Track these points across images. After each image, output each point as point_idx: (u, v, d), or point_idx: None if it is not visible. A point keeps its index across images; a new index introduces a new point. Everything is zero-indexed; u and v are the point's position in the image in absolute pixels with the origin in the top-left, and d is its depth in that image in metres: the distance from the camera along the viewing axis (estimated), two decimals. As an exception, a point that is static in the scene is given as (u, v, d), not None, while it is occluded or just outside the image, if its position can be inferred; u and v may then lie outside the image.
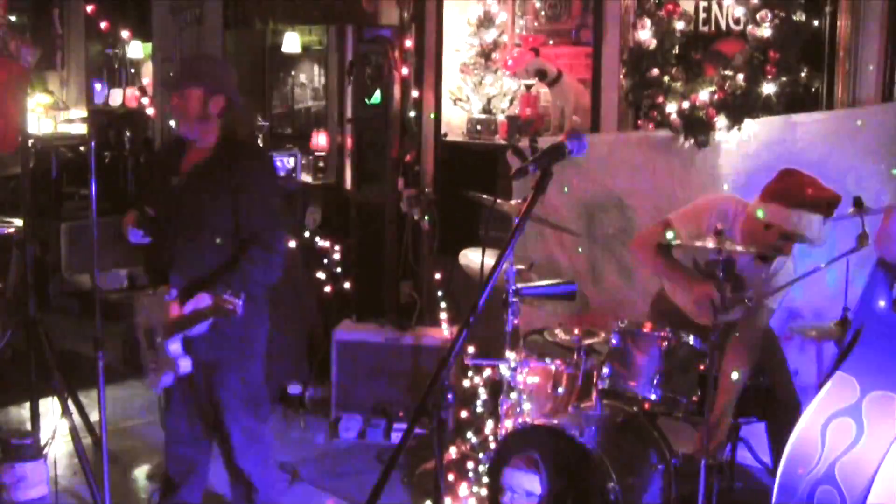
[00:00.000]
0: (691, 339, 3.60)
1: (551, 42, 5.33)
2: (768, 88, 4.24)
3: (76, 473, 4.29)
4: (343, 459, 4.92)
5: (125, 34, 7.33)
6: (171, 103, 3.67)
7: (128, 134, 8.10)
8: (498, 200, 3.89)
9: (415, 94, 5.58)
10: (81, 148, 7.86)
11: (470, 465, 4.24)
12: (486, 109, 5.43)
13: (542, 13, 5.39)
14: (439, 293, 5.30)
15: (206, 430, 3.77)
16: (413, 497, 4.38)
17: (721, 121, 4.33)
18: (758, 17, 4.26)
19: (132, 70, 8.43)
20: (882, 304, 3.41)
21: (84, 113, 8.68)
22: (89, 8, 7.17)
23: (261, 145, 6.31)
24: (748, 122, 4.30)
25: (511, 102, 5.42)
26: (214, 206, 3.53)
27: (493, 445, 4.07)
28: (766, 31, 4.25)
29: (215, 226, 3.52)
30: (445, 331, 5.22)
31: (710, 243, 3.40)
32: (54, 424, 4.25)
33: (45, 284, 7.26)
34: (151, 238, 3.65)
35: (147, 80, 7.96)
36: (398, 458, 2.07)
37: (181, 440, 3.79)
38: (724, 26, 4.58)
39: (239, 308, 3.28)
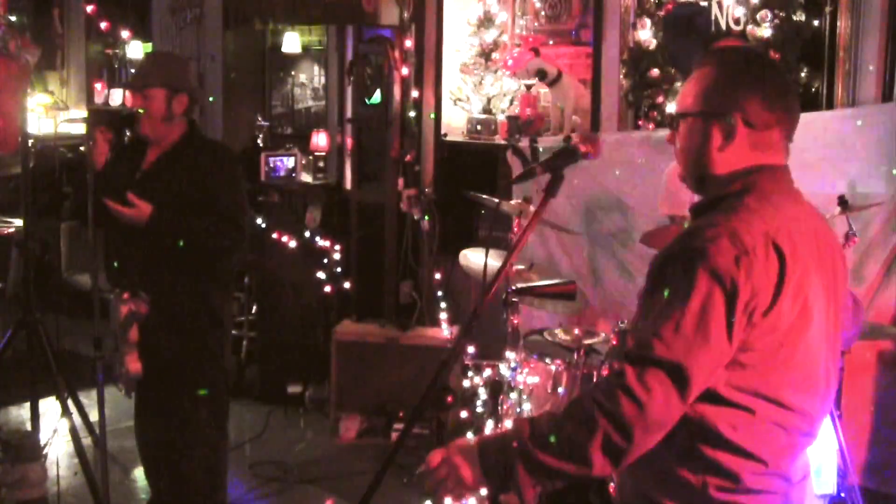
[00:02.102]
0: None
1: (551, 42, 5.33)
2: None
3: (76, 473, 4.28)
4: (343, 459, 4.92)
5: (125, 34, 7.32)
6: (133, 104, 3.64)
7: (128, 134, 8.06)
8: (498, 201, 3.88)
9: (415, 94, 5.57)
10: (82, 148, 7.84)
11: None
12: (486, 109, 5.43)
13: (542, 13, 5.39)
14: (439, 293, 5.29)
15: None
16: (413, 497, 4.38)
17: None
18: (758, 17, 4.26)
19: (132, 70, 8.42)
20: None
21: (84, 113, 8.66)
22: (89, 8, 7.17)
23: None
24: (748, 122, 4.29)
25: (511, 102, 5.42)
26: (178, 197, 3.48)
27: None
28: (766, 31, 4.24)
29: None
30: (445, 331, 5.21)
31: None
32: (54, 424, 4.25)
33: (45, 284, 7.25)
34: (108, 233, 3.61)
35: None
36: (395, 458, 2.07)
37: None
38: (724, 26, 4.57)
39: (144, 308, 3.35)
